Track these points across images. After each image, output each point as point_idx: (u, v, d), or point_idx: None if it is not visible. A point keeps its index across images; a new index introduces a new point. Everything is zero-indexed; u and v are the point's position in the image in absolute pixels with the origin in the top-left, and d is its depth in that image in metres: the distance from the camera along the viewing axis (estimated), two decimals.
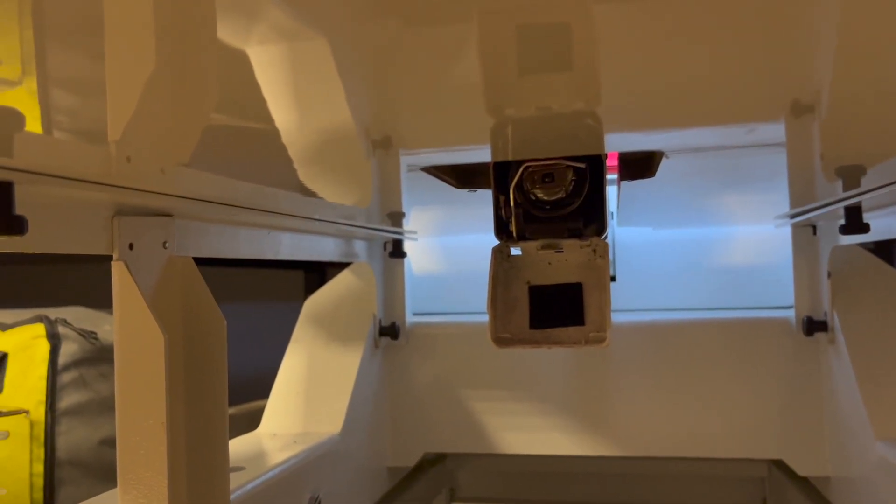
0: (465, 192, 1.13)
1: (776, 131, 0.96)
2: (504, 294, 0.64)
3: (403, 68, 0.86)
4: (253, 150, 1.09)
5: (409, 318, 1.14)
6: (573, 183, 0.63)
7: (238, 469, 0.75)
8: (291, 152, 0.98)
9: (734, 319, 1.07)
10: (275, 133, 0.96)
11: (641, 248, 1.23)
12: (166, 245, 0.56)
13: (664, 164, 0.99)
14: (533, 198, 0.64)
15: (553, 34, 0.58)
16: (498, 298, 0.64)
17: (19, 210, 0.40)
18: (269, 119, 0.94)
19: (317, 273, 2.27)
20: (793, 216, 0.91)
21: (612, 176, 0.91)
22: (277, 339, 1.08)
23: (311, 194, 0.99)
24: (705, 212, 1.24)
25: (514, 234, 0.65)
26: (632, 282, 1.21)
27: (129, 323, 0.51)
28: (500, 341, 0.63)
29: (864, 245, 0.98)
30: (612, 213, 1.06)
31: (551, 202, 0.64)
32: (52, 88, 0.89)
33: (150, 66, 0.51)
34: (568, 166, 0.63)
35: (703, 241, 1.23)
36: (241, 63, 0.85)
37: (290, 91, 0.92)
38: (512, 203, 0.64)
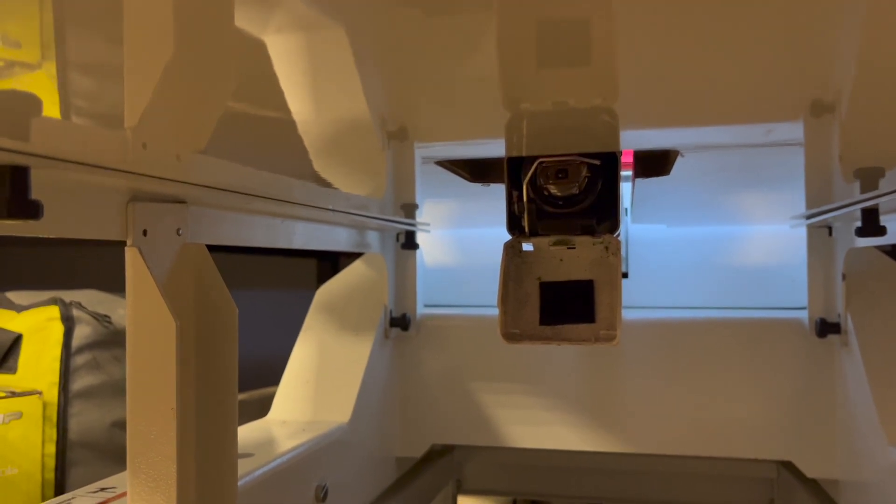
0: (479, 185, 1.12)
1: (794, 131, 0.95)
2: (515, 289, 0.64)
3: (421, 59, 0.86)
4: (269, 138, 1.09)
5: (421, 310, 1.14)
6: (587, 179, 0.63)
7: (247, 455, 0.75)
8: (307, 142, 0.98)
9: (746, 319, 1.07)
10: (291, 122, 0.96)
11: (655, 246, 1.23)
12: (180, 232, 0.56)
13: (679, 162, 0.98)
14: (546, 193, 0.64)
15: (572, 28, 0.57)
16: (509, 294, 0.64)
17: (35, 194, 0.40)
18: (285, 108, 0.94)
19: (330, 262, 2.28)
20: (809, 217, 0.90)
21: (626, 173, 0.90)
22: (290, 327, 1.09)
23: (326, 184, 0.99)
24: (720, 210, 1.23)
25: (527, 229, 0.65)
26: (645, 279, 1.21)
27: (142, 309, 0.52)
28: (509, 337, 0.63)
29: (881, 248, 0.97)
30: (626, 210, 1.06)
31: (564, 198, 0.63)
32: (72, 73, 0.89)
33: (168, 53, 0.51)
34: (582, 162, 0.63)
35: (718, 240, 1.22)
36: (258, 52, 0.86)
37: (307, 80, 0.92)
38: (525, 198, 0.64)
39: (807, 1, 0.70)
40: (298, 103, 0.95)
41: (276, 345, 1.18)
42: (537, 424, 1.10)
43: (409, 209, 1.07)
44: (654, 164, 0.87)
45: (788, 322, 1.02)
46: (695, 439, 1.05)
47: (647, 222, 1.22)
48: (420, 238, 1.12)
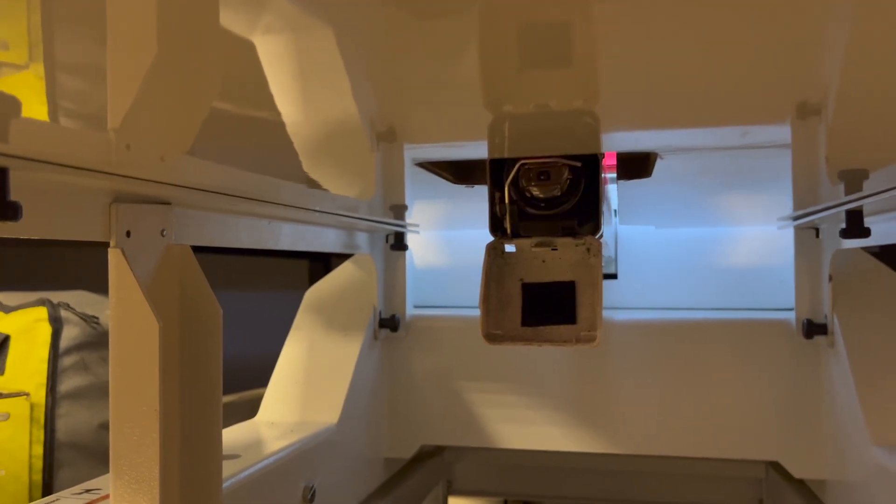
0: (473, 188, 1.13)
1: (772, 133, 0.95)
2: (497, 291, 0.64)
3: (409, 61, 0.86)
4: (259, 140, 1.09)
5: (410, 311, 1.14)
6: (569, 181, 0.63)
7: (233, 457, 0.75)
8: (296, 143, 0.98)
9: (734, 320, 1.07)
10: (280, 124, 0.96)
11: (644, 247, 1.23)
12: (164, 233, 0.56)
13: (666, 163, 0.98)
14: (528, 195, 0.64)
15: (553, 31, 0.58)
16: (491, 295, 0.64)
17: (15, 196, 0.40)
18: (275, 110, 0.94)
19: (321, 263, 2.28)
20: (795, 218, 0.91)
21: (613, 175, 0.90)
22: (282, 328, 1.08)
23: (315, 185, 0.99)
24: (708, 211, 1.23)
25: (509, 231, 0.66)
26: (634, 280, 1.21)
27: (125, 310, 0.52)
28: (491, 338, 0.63)
29: (869, 249, 0.98)
30: (615, 211, 1.06)
31: (547, 200, 0.64)
32: (60, 73, 0.89)
33: (152, 54, 0.51)
34: (564, 164, 0.63)
35: (706, 241, 1.22)
36: (247, 52, 0.85)
37: (296, 82, 0.92)
38: (507, 200, 0.64)
39: (793, 5, 0.70)
40: (287, 104, 0.95)
41: (267, 346, 1.18)
42: (527, 425, 1.10)
43: (399, 210, 1.07)
44: (635, 166, 0.88)
45: (776, 323, 1.03)
46: (683, 440, 1.05)
47: (635, 224, 1.23)
48: (410, 239, 1.12)
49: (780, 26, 0.74)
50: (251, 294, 2.22)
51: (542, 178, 0.63)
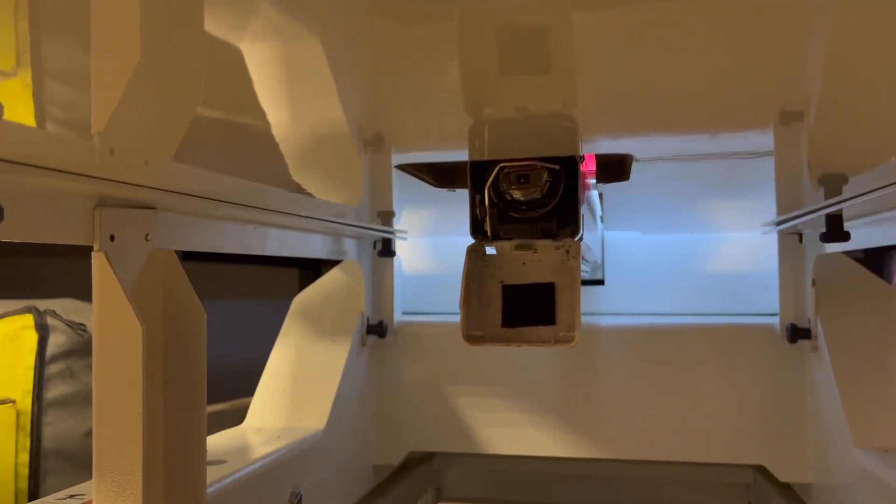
0: (456, 192, 1.13)
1: (756, 139, 0.96)
2: (478, 292, 0.65)
3: (397, 67, 0.87)
4: (245, 145, 1.09)
5: (398, 317, 1.14)
6: (548, 184, 0.64)
7: (219, 462, 0.75)
8: (283, 149, 0.99)
9: (719, 325, 1.08)
10: (267, 129, 0.96)
11: (631, 253, 1.24)
12: (148, 238, 0.56)
13: (651, 170, 0.99)
14: (509, 198, 0.65)
15: (532, 36, 0.58)
16: (472, 297, 0.65)
17: None
18: (262, 115, 0.95)
19: (312, 271, 2.28)
20: (778, 223, 0.92)
21: (594, 180, 0.91)
22: (274, 337, 1.08)
23: (302, 191, 0.99)
24: (693, 217, 1.24)
25: (489, 233, 0.66)
26: (620, 286, 1.21)
27: (108, 313, 0.52)
28: (471, 339, 0.64)
29: (853, 254, 0.99)
30: (600, 217, 1.06)
31: (526, 202, 0.64)
32: (47, 80, 0.89)
33: (136, 57, 0.51)
34: (543, 167, 0.63)
35: (692, 247, 1.23)
36: (235, 58, 0.86)
37: (283, 88, 0.93)
38: (487, 203, 0.65)
39: (775, 15, 0.71)
40: (275, 111, 0.95)
41: (260, 355, 1.18)
42: (516, 431, 1.10)
43: (386, 216, 1.08)
44: (613, 169, 0.88)
45: (760, 328, 1.03)
46: (670, 444, 1.06)
47: (620, 230, 1.24)
48: (399, 246, 1.12)
49: (762, 33, 0.75)
50: (243, 303, 2.22)
51: (521, 180, 0.63)
